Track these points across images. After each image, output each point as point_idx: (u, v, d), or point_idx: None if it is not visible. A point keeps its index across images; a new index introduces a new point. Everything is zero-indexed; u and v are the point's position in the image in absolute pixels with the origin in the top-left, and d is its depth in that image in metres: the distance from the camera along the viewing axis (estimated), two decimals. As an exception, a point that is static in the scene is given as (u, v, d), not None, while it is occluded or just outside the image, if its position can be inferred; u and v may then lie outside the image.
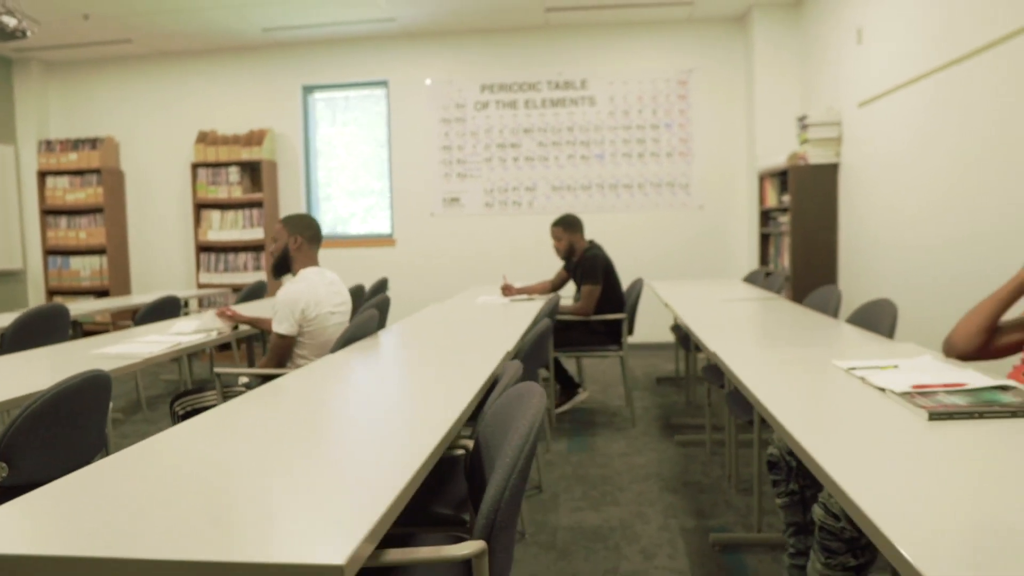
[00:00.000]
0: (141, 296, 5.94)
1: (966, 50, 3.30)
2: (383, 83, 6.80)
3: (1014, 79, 2.96)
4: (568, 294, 4.69)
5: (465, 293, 4.94)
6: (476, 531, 1.20)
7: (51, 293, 7.16)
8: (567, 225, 4.35)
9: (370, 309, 3.09)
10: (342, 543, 0.95)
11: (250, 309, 4.15)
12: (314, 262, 3.00)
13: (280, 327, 2.80)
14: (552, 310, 3.44)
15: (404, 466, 1.26)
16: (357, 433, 1.53)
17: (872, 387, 1.73)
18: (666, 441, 3.88)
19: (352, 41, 6.73)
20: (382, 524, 1.05)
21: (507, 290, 4.39)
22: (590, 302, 4.20)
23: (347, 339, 2.83)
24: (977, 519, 0.95)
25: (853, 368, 1.93)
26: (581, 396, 4.52)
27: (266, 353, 2.94)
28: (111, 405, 2.30)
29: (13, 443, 1.89)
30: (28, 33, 3.57)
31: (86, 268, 7.15)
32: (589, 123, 6.53)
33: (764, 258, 6.01)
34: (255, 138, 6.76)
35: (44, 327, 3.88)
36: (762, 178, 5.92)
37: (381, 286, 5.17)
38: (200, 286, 6.87)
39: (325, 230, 7.06)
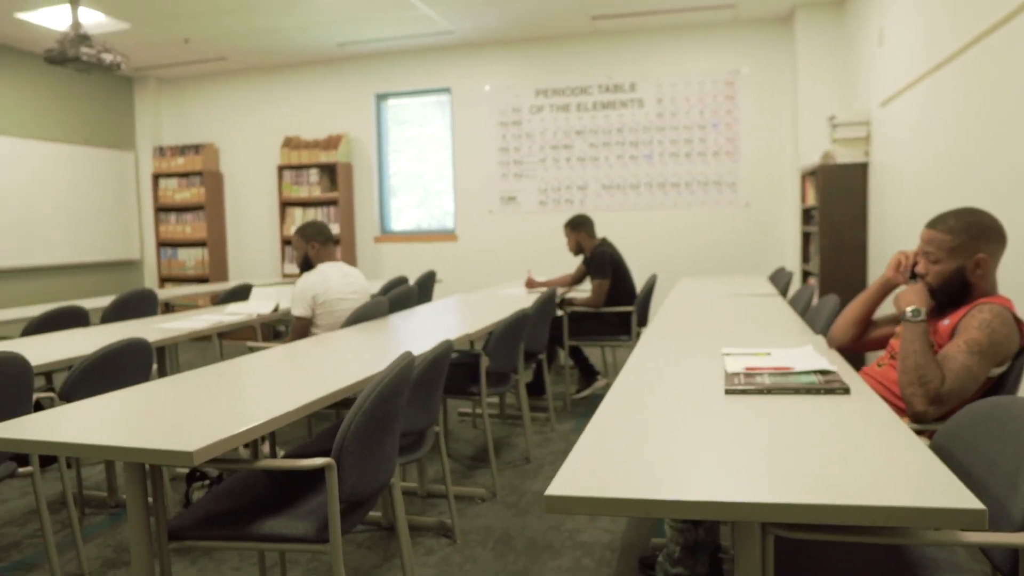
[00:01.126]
0: (225, 283, 6.71)
1: (972, 36, 3.24)
2: (447, 90, 7.32)
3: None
4: (588, 288, 5.03)
5: (497, 286, 5.38)
6: (332, 452, 1.65)
7: (163, 280, 8.13)
8: (573, 225, 4.71)
9: (379, 297, 3.60)
10: (204, 440, 1.43)
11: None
12: (331, 258, 3.54)
13: (295, 310, 3.35)
14: (546, 301, 3.82)
15: (288, 403, 1.73)
16: (289, 378, 2.00)
17: (722, 369, 2.05)
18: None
19: (418, 52, 7.29)
20: (244, 435, 1.51)
21: (530, 283, 4.80)
22: (599, 295, 4.55)
23: (354, 319, 3.35)
24: (668, 460, 1.32)
25: (729, 353, 2.24)
26: (600, 383, 4.87)
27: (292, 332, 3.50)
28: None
29: (71, 388, 2.49)
30: (122, 65, 4.27)
31: (191, 258, 8.07)
32: (638, 124, 6.81)
33: (806, 255, 6.12)
34: (333, 142, 7.44)
35: (137, 307, 4.63)
36: (804, 177, 6.03)
37: (428, 278, 5.68)
38: (284, 275, 7.64)
39: (394, 226, 7.69)
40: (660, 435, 1.42)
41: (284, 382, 2.05)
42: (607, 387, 5.10)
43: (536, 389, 4.69)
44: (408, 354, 1.91)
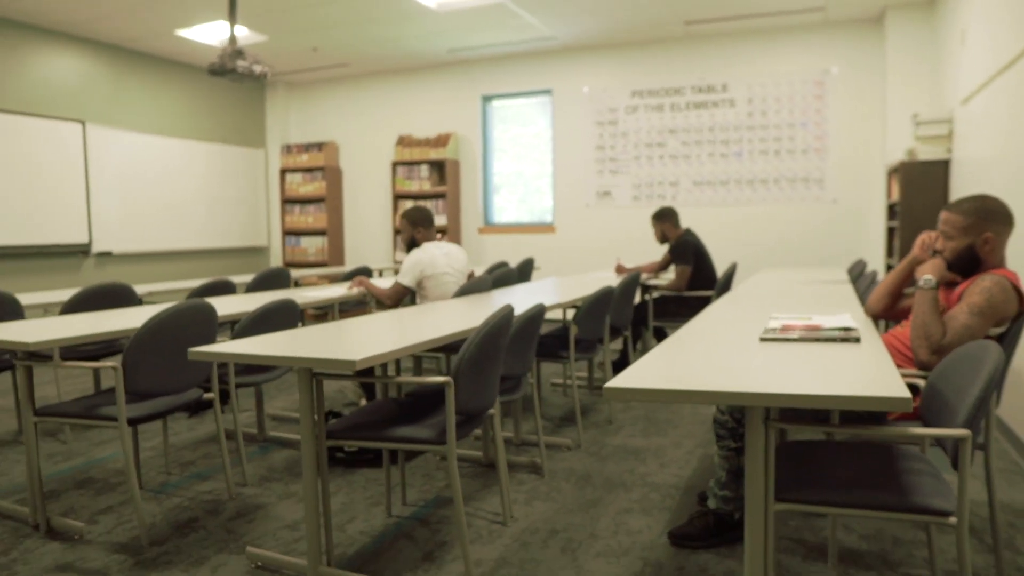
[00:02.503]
0: (342, 267, 7.46)
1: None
2: (547, 91, 7.84)
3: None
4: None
5: (590, 272, 5.84)
6: (450, 373, 2.18)
7: (286, 265, 9.01)
8: (658, 216, 5.12)
9: (484, 275, 4.15)
10: (364, 354, 1.99)
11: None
12: (432, 239, 4.11)
13: (403, 279, 3.95)
14: (631, 282, 4.27)
15: (417, 338, 2.28)
16: (417, 323, 2.56)
17: (764, 327, 2.46)
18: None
19: (521, 57, 7.84)
20: (388, 355, 2.07)
21: (619, 269, 5.25)
22: (682, 280, 4.95)
23: (462, 291, 3.91)
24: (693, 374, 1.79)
25: (775, 317, 2.65)
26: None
27: (390, 289, 4.09)
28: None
29: (241, 333, 3.14)
30: (268, 75, 4.99)
31: (312, 246, 8.92)
32: (729, 123, 7.12)
33: (891, 250, 6.29)
34: (442, 140, 8.09)
35: (274, 282, 5.39)
36: (889, 173, 6.21)
37: (527, 264, 6.21)
38: (396, 261, 8.35)
39: (497, 218, 8.27)
40: (699, 360, 1.88)
41: (410, 328, 2.61)
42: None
43: (622, 366, 5.13)
44: (509, 306, 2.43)
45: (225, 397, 4.11)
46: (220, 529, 2.74)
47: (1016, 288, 2.19)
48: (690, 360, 1.88)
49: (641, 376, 1.70)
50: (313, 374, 2.20)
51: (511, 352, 2.75)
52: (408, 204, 8.26)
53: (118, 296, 4.18)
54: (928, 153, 5.37)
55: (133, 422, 2.64)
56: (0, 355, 3.86)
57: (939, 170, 5.36)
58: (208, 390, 3.07)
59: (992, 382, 1.62)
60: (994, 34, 4.31)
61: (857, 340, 2.12)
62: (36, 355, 2.97)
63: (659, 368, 1.79)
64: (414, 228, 4.16)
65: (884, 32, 6.41)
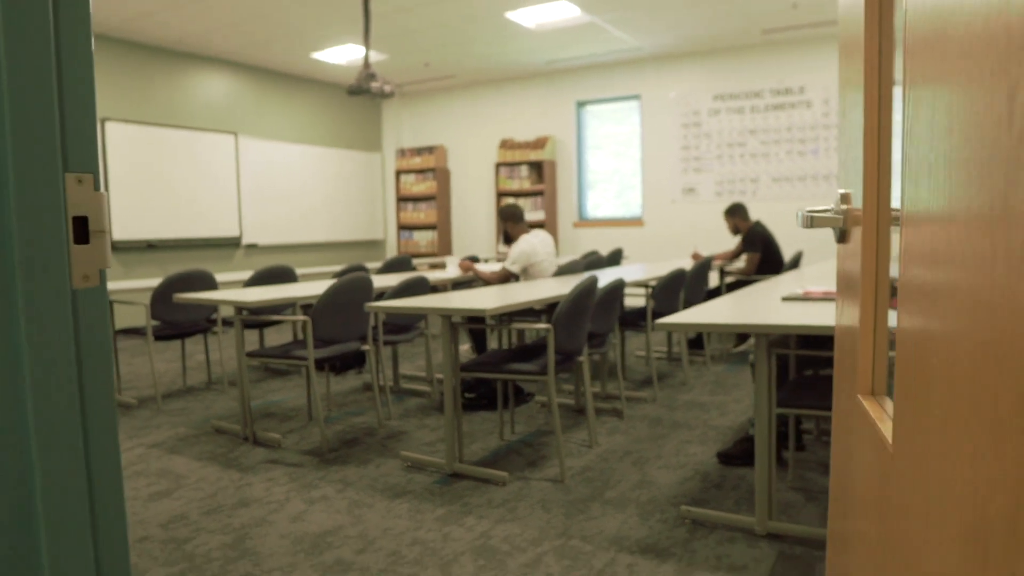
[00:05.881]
0: (451, 258, 8.40)
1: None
2: (636, 97, 8.55)
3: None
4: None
5: (671, 259, 6.55)
6: (551, 321, 3.01)
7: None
8: (729, 212, 5.78)
9: (577, 259, 4.96)
10: (493, 304, 2.85)
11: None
12: (525, 231, 4.93)
13: (512, 267, 4.79)
14: (702, 265, 4.99)
15: (529, 298, 3.12)
16: (522, 291, 3.39)
17: (790, 292, 3.17)
18: (799, 370, 5.19)
19: (612, 65, 8.58)
20: (508, 307, 2.91)
21: (695, 256, 5.94)
22: (751, 266, 5.61)
23: (559, 272, 4.74)
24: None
25: (803, 286, 3.34)
26: (752, 340, 5.92)
27: (497, 273, 4.94)
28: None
29: (390, 297, 4.07)
30: (395, 93, 5.96)
31: (423, 239, 9.95)
32: (805, 123, 7.65)
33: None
34: (540, 143, 8.93)
35: (399, 267, 6.38)
36: (959, 169, 6.62)
37: (616, 253, 6.97)
38: (499, 252, 9.26)
39: (591, 214, 9.05)
40: (732, 309, 2.63)
41: (517, 294, 3.46)
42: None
43: (697, 344, 5.83)
44: (593, 275, 3.23)
45: (363, 359, 5.10)
46: (377, 444, 3.67)
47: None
48: (726, 309, 2.64)
49: (685, 316, 2.47)
50: (452, 323, 3.08)
51: (597, 314, 3.56)
52: (509, 201, 9.16)
53: (282, 275, 5.23)
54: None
55: (316, 362, 3.60)
56: (195, 321, 4.95)
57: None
58: (364, 343, 4.02)
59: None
60: None
61: (855, 299, 2.81)
62: (223, 317, 3.97)
63: (700, 313, 2.56)
64: (504, 223, 5.00)
65: (955, 35, 6.81)
